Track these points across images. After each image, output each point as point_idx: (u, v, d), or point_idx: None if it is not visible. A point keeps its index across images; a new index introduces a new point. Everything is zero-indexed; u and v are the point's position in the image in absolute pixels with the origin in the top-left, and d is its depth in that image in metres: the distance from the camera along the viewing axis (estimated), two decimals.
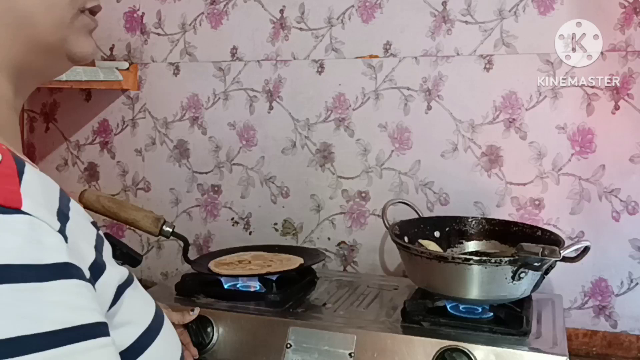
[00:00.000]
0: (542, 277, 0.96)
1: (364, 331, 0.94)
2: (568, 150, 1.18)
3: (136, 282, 0.50)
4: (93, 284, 0.42)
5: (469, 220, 1.17)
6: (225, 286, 1.10)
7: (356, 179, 1.32)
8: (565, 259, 0.93)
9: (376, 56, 1.29)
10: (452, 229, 1.17)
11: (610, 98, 1.15)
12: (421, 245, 1.09)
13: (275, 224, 1.39)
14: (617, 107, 1.15)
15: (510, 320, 0.95)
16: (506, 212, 1.22)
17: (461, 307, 1.01)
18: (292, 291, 1.10)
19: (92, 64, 1.38)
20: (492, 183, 1.23)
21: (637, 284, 1.16)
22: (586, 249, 0.95)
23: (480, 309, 1.00)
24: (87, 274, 0.41)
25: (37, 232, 0.37)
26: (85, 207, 1.11)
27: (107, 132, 1.51)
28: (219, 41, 1.40)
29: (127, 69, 1.45)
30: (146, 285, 1.04)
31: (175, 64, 1.44)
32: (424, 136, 1.27)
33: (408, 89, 1.27)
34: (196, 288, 1.10)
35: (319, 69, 1.33)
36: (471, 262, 0.92)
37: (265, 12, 1.36)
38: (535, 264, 0.91)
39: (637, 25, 1.13)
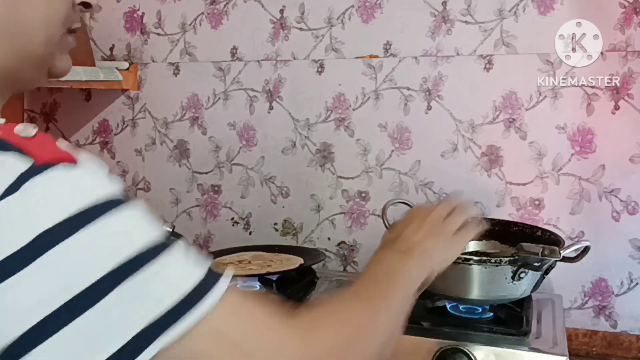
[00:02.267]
0: (542, 277, 0.96)
1: None
2: (568, 150, 1.18)
3: None
4: None
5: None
6: None
7: (356, 179, 1.32)
8: (565, 259, 0.93)
9: (376, 56, 1.29)
10: None
11: (610, 98, 1.15)
12: None
13: (275, 224, 1.39)
14: (617, 107, 1.15)
15: (510, 320, 0.95)
16: (506, 212, 1.22)
17: (461, 307, 1.01)
18: (292, 291, 1.10)
19: (92, 63, 1.38)
20: (492, 183, 1.23)
21: (637, 284, 1.16)
22: (586, 249, 0.95)
23: (480, 309, 1.00)
24: None
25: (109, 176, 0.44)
26: None
27: (107, 132, 1.51)
28: (219, 41, 1.39)
29: (127, 69, 1.44)
30: None
31: (175, 64, 1.44)
32: (424, 136, 1.27)
33: (408, 89, 1.27)
34: None
35: (319, 69, 1.33)
36: (471, 262, 0.92)
37: (265, 12, 1.35)
38: (535, 264, 0.91)
39: (637, 25, 1.13)
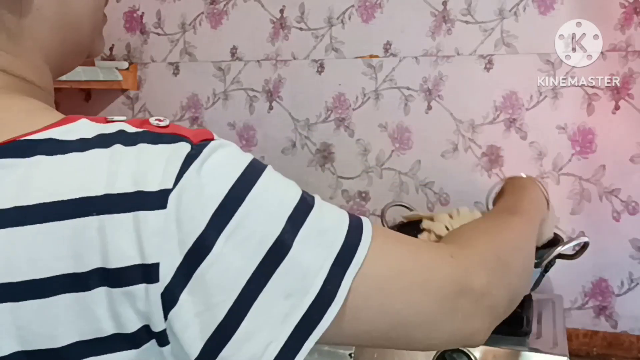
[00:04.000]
0: (542, 275, 0.96)
1: None
2: (568, 150, 1.18)
3: None
4: None
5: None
6: None
7: (356, 179, 1.32)
8: (564, 256, 0.93)
9: (376, 56, 1.29)
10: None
11: (610, 98, 1.15)
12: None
13: None
14: (617, 107, 1.15)
15: (510, 320, 0.94)
16: None
17: None
18: None
19: (92, 63, 1.38)
20: (492, 183, 1.23)
21: (637, 284, 1.15)
22: (585, 245, 0.94)
23: None
24: None
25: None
26: None
27: None
28: (218, 41, 1.39)
29: (127, 68, 1.44)
30: None
31: (175, 63, 1.44)
32: (424, 136, 1.27)
33: (408, 88, 1.27)
34: None
35: (319, 69, 1.33)
36: None
37: (265, 12, 1.35)
38: (535, 261, 0.91)
39: (638, 25, 1.13)
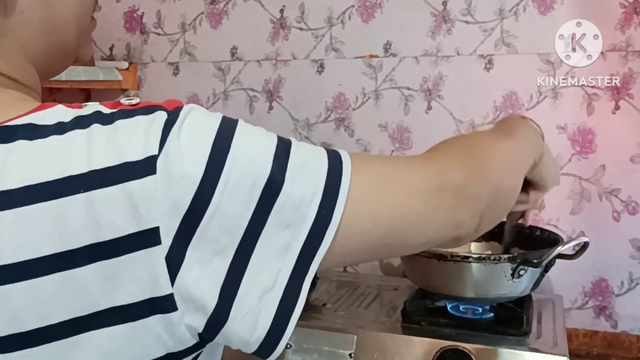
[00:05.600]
0: (542, 275, 0.96)
1: (364, 331, 0.94)
2: (568, 150, 1.18)
3: None
4: None
5: None
6: None
7: None
8: (564, 256, 0.93)
9: (376, 56, 1.29)
10: None
11: (610, 98, 1.15)
12: None
13: None
14: (617, 107, 1.15)
15: (511, 320, 0.95)
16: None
17: (461, 307, 1.01)
18: None
19: (92, 63, 1.38)
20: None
21: (637, 284, 1.15)
22: (585, 245, 0.94)
23: (480, 309, 0.99)
24: None
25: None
26: None
27: None
28: (218, 41, 1.39)
29: (127, 68, 1.44)
30: None
31: (174, 63, 1.44)
32: (424, 136, 1.27)
33: (408, 88, 1.27)
34: None
35: (319, 69, 1.33)
36: (470, 259, 0.92)
37: (265, 12, 1.35)
38: (535, 260, 0.91)
39: (638, 25, 1.13)
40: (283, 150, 0.44)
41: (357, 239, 0.46)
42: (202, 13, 1.40)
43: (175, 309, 0.40)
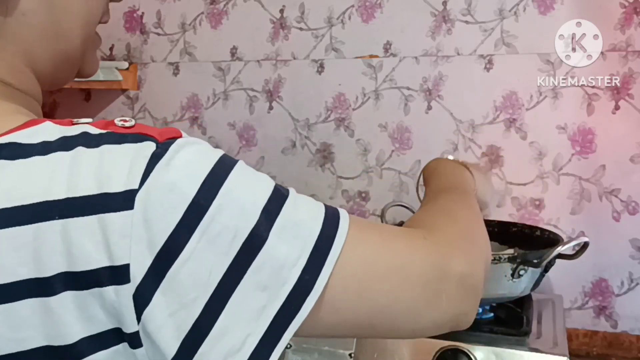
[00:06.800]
0: (542, 275, 0.96)
1: None
2: (568, 150, 1.18)
3: None
4: None
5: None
6: None
7: (356, 179, 1.32)
8: (563, 256, 0.93)
9: (376, 56, 1.29)
10: None
11: (610, 98, 1.15)
12: None
13: None
14: (617, 107, 1.15)
15: (511, 320, 0.95)
16: (506, 213, 1.22)
17: None
18: None
19: None
20: (494, 183, 1.23)
21: (637, 284, 1.15)
22: (585, 245, 0.94)
23: (480, 309, 0.99)
24: None
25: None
26: None
27: None
28: (218, 41, 1.39)
29: (127, 68, 1.44)
30: None
31: (174, 63, 1.44)
32: (424, 136, 1.27)
33: (408, 88, 1.27)
34: None
35: (319, 69, 1.33)
36: None
37: (265, 12, 1.35)
38: (535, 260, 0.91)
39: (638, 25, 1.13)
40: (276, 203, 0.42)
41: (339, 316, 0.43)
42: (202, 13, 1.40)
43: (141, 345, 0.39)
